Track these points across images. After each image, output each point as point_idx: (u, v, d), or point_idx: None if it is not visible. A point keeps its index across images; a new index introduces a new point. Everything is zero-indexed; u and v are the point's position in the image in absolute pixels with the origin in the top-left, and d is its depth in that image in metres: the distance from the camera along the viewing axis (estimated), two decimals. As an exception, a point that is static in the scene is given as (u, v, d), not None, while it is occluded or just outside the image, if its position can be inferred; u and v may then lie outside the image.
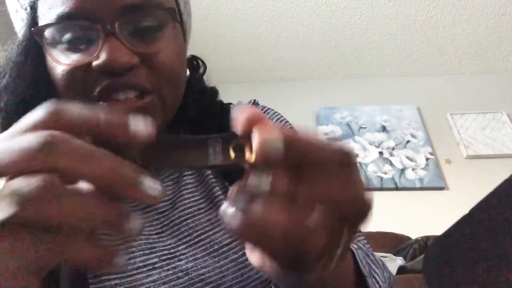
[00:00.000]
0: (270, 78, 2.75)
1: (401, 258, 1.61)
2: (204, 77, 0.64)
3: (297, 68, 2.70)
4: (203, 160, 0.27)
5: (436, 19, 2.38)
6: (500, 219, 0.29)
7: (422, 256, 1.57)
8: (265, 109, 0.64)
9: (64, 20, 0.45)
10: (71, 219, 0.23)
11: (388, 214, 2.06)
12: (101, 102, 0.47)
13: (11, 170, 0.23)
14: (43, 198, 0.22)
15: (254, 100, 0.66)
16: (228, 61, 2.60)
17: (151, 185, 0.25)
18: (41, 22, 0.47)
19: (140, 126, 0.25)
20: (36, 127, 0.25)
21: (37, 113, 0.25)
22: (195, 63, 0.63)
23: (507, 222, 0.28)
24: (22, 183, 0.22)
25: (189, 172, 0.59)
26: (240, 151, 0.26)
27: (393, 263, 1.53)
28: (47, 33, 0.46)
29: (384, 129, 2.47)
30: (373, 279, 0.44)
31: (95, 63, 0.45)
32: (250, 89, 2.63)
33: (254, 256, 0.31)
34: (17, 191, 0.22)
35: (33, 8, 0.48)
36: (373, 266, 0.46)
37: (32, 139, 0.23)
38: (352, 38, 2.50)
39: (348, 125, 2.50)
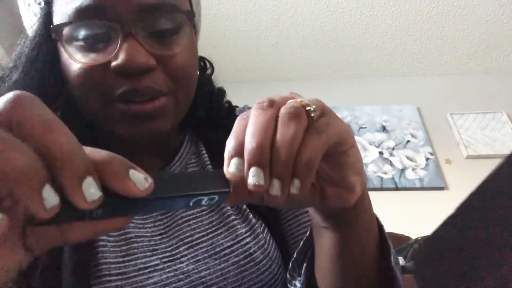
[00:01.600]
0: (270, 78, 2.75)
1: (401, 258, 1.61)
2: (212, 77, 0.64)
3: (297, 68, 2.70)
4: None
5: (436, 19, 2.37)
6: (487, 216, 0.29)
7: (422, 256, 1.57)
8: None
9: (81, 14, 0.44)
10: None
11: (388, 214, 2.05)
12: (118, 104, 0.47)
13: None
14: None
15: None
16: (228, 61, 2.60)
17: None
18: (56, 17, 0.47)
19: (139, 181, 0.24)
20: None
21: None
22: (202, 64, 0.63)
23: (492, 220, 0.28)
24: None
25: None
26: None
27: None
28: (66, 30, 0.46)
29: (384, 129, 2.47)
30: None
31: (114, 63, 0.44)
32: (250, 89, 2.63)
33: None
34: None
35: (48, 3, 0.48)
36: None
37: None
38: (352, 38, 2.49)
39: (348, 125, 2.50)
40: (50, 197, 0.22)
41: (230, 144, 0.30)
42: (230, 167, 0.29)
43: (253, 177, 0.28)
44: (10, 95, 0.23)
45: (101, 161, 0.24)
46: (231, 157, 0.29)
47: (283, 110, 0.29)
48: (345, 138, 0.32)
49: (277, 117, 0.29)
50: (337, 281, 0.43)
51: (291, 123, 0.29)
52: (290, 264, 0.49)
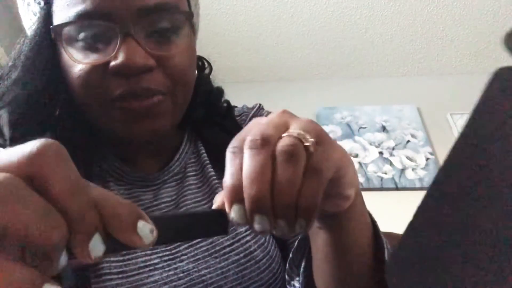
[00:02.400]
0: (270, 78, 2.75)
1: (401, 258, 1.61)
2: (210, 77, 0.64)
3: (297, 68, 2.70)
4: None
5: (436, 19, 2.38)
6: (443, 216, 0.29)
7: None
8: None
9: (83, 19, 0.45)
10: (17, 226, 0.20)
11: (388, 214, 2.06)
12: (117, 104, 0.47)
13: None
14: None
15: (260, 105, 0.66)
16: (228, 61, 2.60)
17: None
18: (56, 18, 0.47)
19: (145, 236, 0.24)
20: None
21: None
22: (200, 64, 0.63)
23: (447, 224, 0.28)
24: None
25: (193, 173, 0.59)
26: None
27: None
28: (65, 30, 0.46)
29: (384, 129, 2.47)
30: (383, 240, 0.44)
31: (112, 63, 0.45)
32: (250, 89, 2.63)
33: None
34: None
35: (48, 3, 0.48)
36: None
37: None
38: (352, 38, 2.50)
39: (348, 125, 2.50)
40: (63, 258, 0.22)
41: (228, 187, 0.29)
42: (232, 214, 0.29)
43: (258, 225, 0.28)
44: (37, 144, 0.22)
45: (110, 213, 0.24)
46: (231, 203, 0.28)
47: (279, 148, 0.28)
48: (342, 165, 0.31)
49: (273, 155, 0.28)
50: (333, 280, 0.43)
51: (290, 165, 0.28)
52: (287, 265, 0.49)
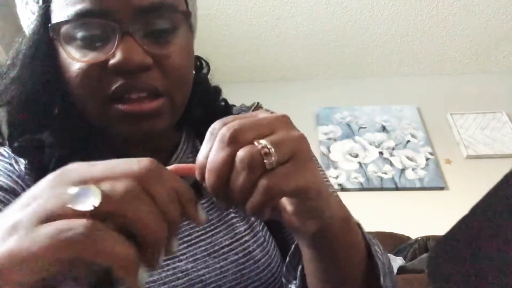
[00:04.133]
0: (270, 78, 2.75)
1: (401, 258, 1.61)
2: (208, 76, 0.64)
3: (297, 68, 2.70)
4: None
5: (436, 19, 2.37)
6: (500, 219, 0.29)
7: (422, 256, 1.57)
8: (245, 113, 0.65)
9: (81, 17, 0.45)
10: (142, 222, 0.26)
11: (388, 214, 2.06)
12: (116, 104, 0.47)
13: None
14: (123, 199, 0.26)
15: (258, 104, 0.66)
16: (228, 61, 2.60)
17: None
18: (55, 17, 0.47)
19: (201, 213, 0.32)
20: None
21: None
22: (198, 64, 0.63)
23: (506, 222, 0.28)
24: (108, 185, 0.26)
25: None
26: None
27: (393, 263, 1.53)
28: (64, 29, 0.46)
29: (384, 129, 2.47)
30: (378, 260, 0.44)
31: (111, 61, 0.45)
32: (250, 89, 2.63)
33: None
34: (107, 190, 0.26)
35: (46, 2, 0.48)
36: (377, 248, 0.46)
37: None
38: (352, 38, 2.50)
39: (348, 125, 2.50)
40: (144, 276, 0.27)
41: (197, 164, 0.33)
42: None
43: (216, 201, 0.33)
44: (143, 162, 0.29)
45: (186, 200, 0.30)
46: (199, 177, 0.33)
47: (239, 153, 0.30)
48: (303, 190, 0.32)
49: (235, 156, 0.30)
50: None
51: (243, 173, 0.30)
52: (285, 268, 0.49)
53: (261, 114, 0.33)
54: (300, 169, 0.31)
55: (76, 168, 0.28)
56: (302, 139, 0.32)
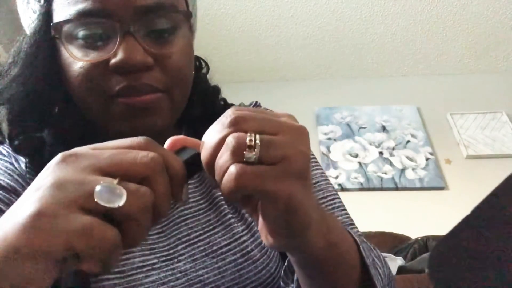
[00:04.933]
0: (270, 78, 2.75)
1: (401, 258, 1.61)
2: (207, 76, 0.65)
3: (297, 68, 2.70)
4: None
5: (436, 19, 2.37)
6: (504, 219, 0.29)
7: (422, 256, 1.57)
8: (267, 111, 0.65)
9: (83, 17, 0.46)
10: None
11: (388, 214, 2.06)
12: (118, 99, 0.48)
13: (121, 173, 0.29)
14: (142, 205, 0.29)
15: (256, 102, 0.67)
16: (228, 61, 2.60)
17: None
18: (56, 16, 0.48)
19: (185, 195, 0.34)
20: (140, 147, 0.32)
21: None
22: (198, 64, 0.64)
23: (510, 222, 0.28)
24: (133, 187, 0.29)
25: None
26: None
27: (393, 263, 1.53)
28: (65, 28, 0.47)
29: (384, 129, 2.47)
30: (376, 271, 0.44)
31: (112, 61, 0.46)
32: (250, 89, 2.63)
33: (266, 237, 0.36)
34: (130, 192, 0.28)
35: (48, 1, 0.48)
36: (376, 260, 0.46)
37: (143, 157, 0.30)
38: (352, 38, 2.50)
39: (348, 125, 2.50)
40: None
41: (202, 139, 0.34)
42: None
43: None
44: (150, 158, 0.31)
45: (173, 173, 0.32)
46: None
47: (228, 137, 0.31)
48: (272, 199, 0.31)
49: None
50: None
51: (224, 154, 0.31)
52: (283, 271, 0.49)
53: (283, 118, 0.34)
54: (281, 177, 0.30)
55: (86, 154, 0.30)
56: (304, 157, 0.32)
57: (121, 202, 0.27)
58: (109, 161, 0.30)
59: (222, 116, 0.33)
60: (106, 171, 0.29)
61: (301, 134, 0.33)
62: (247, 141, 0.30)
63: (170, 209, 0.33)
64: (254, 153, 0.30)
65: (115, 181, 0.28)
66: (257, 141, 0.30)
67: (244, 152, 0.30)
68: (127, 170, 0.29)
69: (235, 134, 0.31)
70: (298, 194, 0.31)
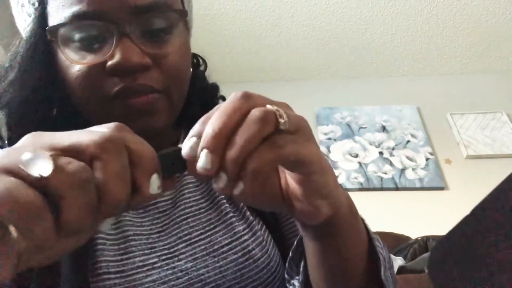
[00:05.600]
0: (270, 78, 2.75)
1: (401, 258, 1.61)
2: (205, 73, 0.65)
3: (297, 68, 2.70)
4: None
5: (436, 19, 2.38)
6: (502, 220, 0.29)
7: (422, 256, 1.57)
8: None
9: (78, 19, 0.45)
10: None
11: (388, 214, 2.06)
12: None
13: (68, 150, 0.28)
14: (68, 182, 0.26)
15: None
16: (228, 61, 2.60)
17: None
18: (51, 19, 0.48)
19: (154, 187, 0.30)
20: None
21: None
22: (195, 61, 0.63)
23: (510, 222, 0.28)
24: (64, 161, 0.26)
25: None
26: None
27: (393, 263, 1.53)
28: (61, 31, 0.46)
29: (384, 129, 2.47)
30: (379, 248, 0.44)
31: (110, 63, 0.46)
32: (250, 89, 2.59)
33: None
34: (59, 166, 0.26)
35: (42, 4, 0.48)
36: (377, 242, 0.46)
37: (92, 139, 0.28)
38: (352, 38, 2.50)
39: (348, 125, 2.50)
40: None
41: (197, 123, 0.31)
42: (184, 146, 0.31)
43: (201, 160, 0.29)
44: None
45: (136, 160, 0.30)
46: (191, 136, 0.31)
47: (253, 111, 0.30)
48: (308, 161, 0.32)
49: (246, 113, 0.30)
50: (323, 284, 0.43)
51: (254, 126, 0.29)
52: (287, 264, 0.49)
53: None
54: (305, 141, 0.32)
55: (49, 134, 0.29)
56: (305, 120, 0.33)
57: (44, 172, 0.25)
58: (62, 139, 0.28)
59: (228, 100, 0.32)
60: (55, 147, 0.27)
61: (288, 106, 0.34)
62: (276, 111, 0.30)
63: (144, 202, 0.30)
64: (286, 120, 0.30)
65: (49, 153, 0.26)
66: (281, 111, 0.30)
67: (280, 121, 0.30)
68: (74, 147, 0.27)
69: (260, 108, 0.30)
70: (321, 153, 0.33)
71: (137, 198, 0.29)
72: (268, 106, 0.31)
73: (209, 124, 0.30)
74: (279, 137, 0.30)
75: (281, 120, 0.30)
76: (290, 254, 0.48)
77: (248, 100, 0.31)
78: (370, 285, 0.43)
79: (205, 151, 0.29)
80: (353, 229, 0.40)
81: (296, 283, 0.48)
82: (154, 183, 0.29)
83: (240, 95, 0.31)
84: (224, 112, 0.30)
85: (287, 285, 0.51)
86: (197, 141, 0.30)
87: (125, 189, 0.28)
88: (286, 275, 0.51)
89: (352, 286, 0.43)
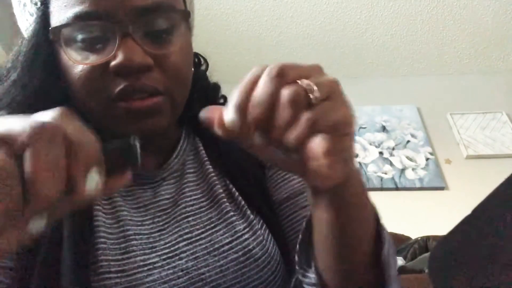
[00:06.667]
0: (270, 78, 2.75)
1: (401, 258, 1.61)
2: (207, 73, 0.65)
3: (297, 68, 2.70)
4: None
5: (436, 19, 2.38)
6: (503, 220, 0.29)
7: (422, 256, 1.57)
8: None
9: (81, 20, 0.45)
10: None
11: (388, 214, 2.05)
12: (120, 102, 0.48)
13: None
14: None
15: None
16: (228, 61, 2.60)
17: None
18: (53, 19, 0.48)
19: (91, 183, 0.28)
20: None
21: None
22: (197, 60, 0.64)
23: (508, 224, 0.28)
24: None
25: (191, 170, 0.59)
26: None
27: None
28: (64, 32, 0.46)
29: (384, 129, 2.47)
30: (384, 231, 0.44)
31: (112, 63, 0.46)
32: (250, 89, 2.63)
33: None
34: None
35: (44, 4, 0.48)
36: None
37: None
38: (352, 38, 2.50)
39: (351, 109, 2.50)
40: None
41: (236, 98, 0.33)
42: (228, 119, 0.33)
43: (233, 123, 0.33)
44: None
45: (75, 151, 0.28)
46: (234, 112, 0.33)
47: (284, 91, 0.31)
48: (341, 125, 0.33)
49: (278, 93, 0.31)
50: (330, 262, 0.43)
51: (286, 111, 0.31)
52: (296, 257, 0.48)
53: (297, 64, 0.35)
54: (339, 105, 0.34)
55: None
56: (337, 81, 0.35)
57: None
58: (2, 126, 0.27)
59: (251, 75, 0.33)
60: None
61: (320, 68, 0.35)
62: (306, 87, 0.31)
63: (81, 201, 0.28)
64: (317, 94, 0.32)
65: None
66: (312, 84, 0.32)
67: (310, 96, 0.31)
68: (4, 135, 0.26)
69: (290, 87, 0.31)
70: (352, 112, 0.36)
71: (72, 196, 0.27)
72: (296, 86, 0.32)
73: (254, 107, 0.32)
74: (312, 111, 0.31)
75: (311, 96, 0.31)
76: (297, 247, 0.47)
77: (282, 78, 0.32)
78: (370, 267, 0.43)
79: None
80: (362, 202, 0.41)
81: (312, 274, 0.47)
82: (93, 180, 0.27)
83: (274, 74, 0.32)
84: (262, 98, 0.31)
85: (301, 277, 0.50)
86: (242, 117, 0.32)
87: (55, 184, 0.26)
88: (298, 268, 0.50)
89: (357, 262, 0.42)
